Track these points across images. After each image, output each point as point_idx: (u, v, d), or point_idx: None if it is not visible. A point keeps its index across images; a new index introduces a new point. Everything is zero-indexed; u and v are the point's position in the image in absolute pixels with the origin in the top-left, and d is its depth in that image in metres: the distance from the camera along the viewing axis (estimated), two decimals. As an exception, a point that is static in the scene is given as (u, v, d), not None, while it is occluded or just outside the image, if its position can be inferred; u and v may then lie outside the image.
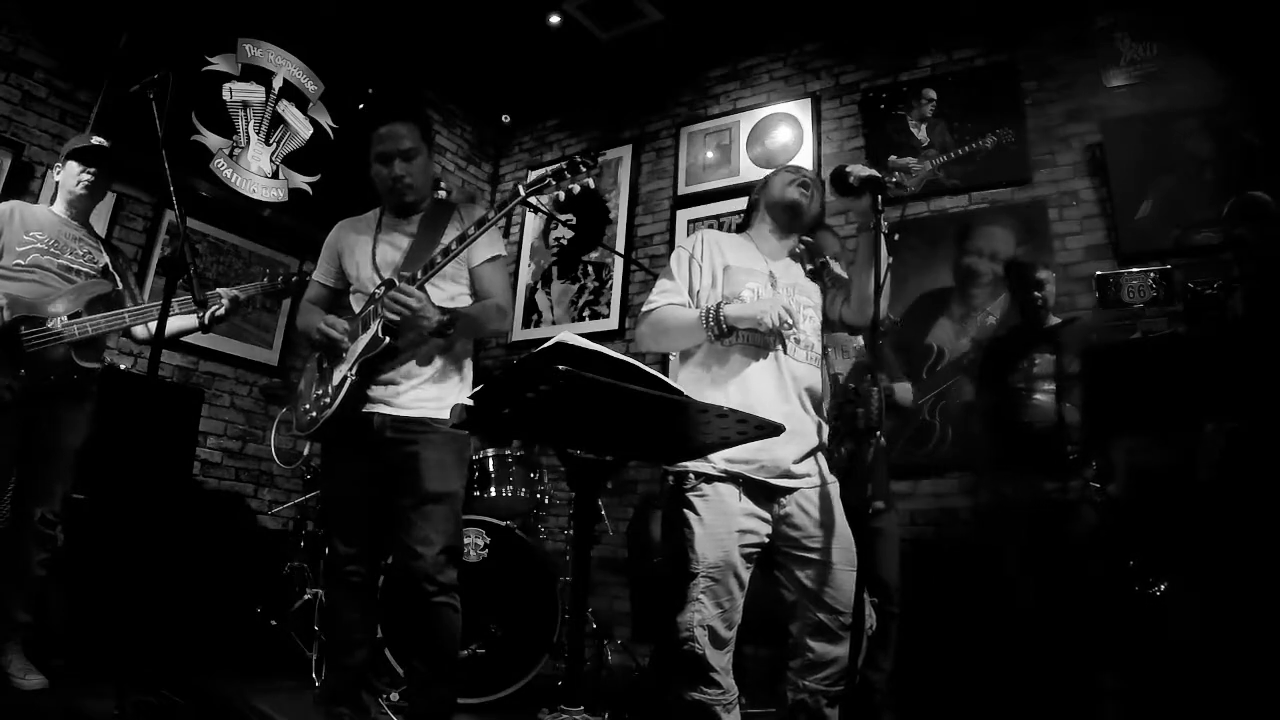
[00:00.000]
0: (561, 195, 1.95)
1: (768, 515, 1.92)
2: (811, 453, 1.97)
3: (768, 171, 2.25)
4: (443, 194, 4.36)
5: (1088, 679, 2.65)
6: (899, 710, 2.90)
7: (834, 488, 1.98)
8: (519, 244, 5.56)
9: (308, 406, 2.30)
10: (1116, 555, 2.74)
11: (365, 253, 2.33)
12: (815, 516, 1.91)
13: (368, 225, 2.41)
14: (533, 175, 2.06)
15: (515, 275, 5.44)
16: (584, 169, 1.94)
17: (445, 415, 2.13)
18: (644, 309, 2.08)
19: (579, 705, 1.67)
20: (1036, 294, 3.05)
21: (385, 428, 2.17)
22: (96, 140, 2.86)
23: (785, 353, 1.98)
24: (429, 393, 2.20)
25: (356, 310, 2.32)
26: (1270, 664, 2.27)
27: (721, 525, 1.88)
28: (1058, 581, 2.75)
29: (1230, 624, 2.42)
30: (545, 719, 1.73)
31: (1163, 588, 2.59)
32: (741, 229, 2.26)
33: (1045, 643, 2.74)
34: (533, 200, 2.03)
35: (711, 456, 1.89)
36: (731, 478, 1.90)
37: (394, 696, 2.81)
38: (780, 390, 1.96)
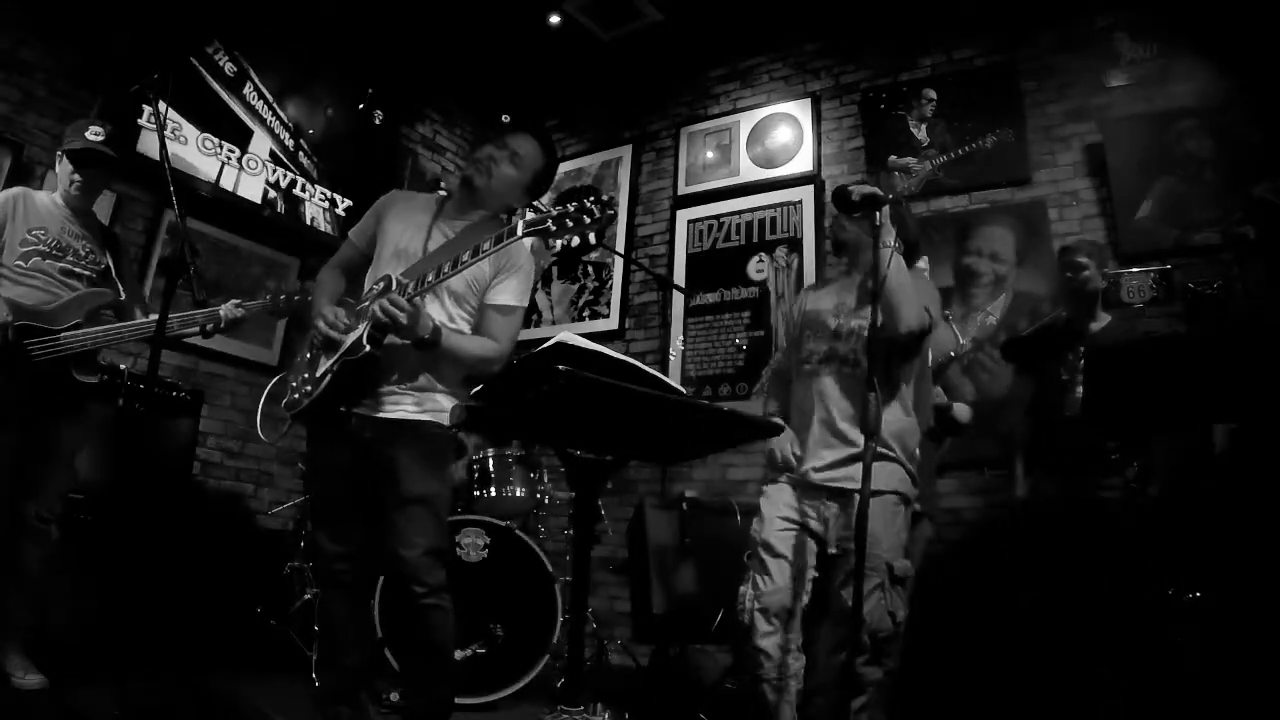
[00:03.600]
0: (559, 244, 1.89)
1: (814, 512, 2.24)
2: (843, 462, 2.22)
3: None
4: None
5: (1107, 681, 2.62)
6: (899, 710, 2.90)
7: (880, 498, 2.14)
8: (519, 244, 5.55)
9: (295, 384, 2.25)
10: (1152, 557, 2.65)
11: (405, 233, 2.26)
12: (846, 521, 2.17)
13: (424, 208, 2.33)
14: (537, 211, 1.97)
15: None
16: (587, 219, 1.83)
17: (423, 417, 2.12)
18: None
19: (579, 705, 1.68)
20: (1069, 275, 2.95)
21: (364, 429, 2.14)
22: (92, 133, 2.70)
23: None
24: (409, 398, 2.16)
25: (366, 288, 2.25)
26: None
27: (770, 512, 2.27)
28: (1088, 581, 2.69)
29: (1245, 628, 2.40)
30: (545, 719, 1.74)
31: (1197, 594, 2.54)
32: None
33: (1060, 645, 2.69)
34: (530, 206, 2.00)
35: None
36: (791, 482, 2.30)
37: (394, 696, 2.82)
38: (821, 414, 2.29)
